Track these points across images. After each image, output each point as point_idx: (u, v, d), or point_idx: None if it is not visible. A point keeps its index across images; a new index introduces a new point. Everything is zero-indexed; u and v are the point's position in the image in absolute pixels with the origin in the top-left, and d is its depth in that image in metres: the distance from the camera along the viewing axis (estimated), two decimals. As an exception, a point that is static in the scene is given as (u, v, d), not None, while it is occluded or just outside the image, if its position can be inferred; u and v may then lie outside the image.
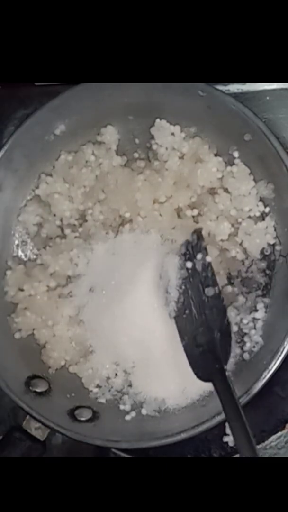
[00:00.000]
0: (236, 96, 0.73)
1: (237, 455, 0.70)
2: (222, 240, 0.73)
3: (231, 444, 0.71)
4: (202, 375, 0.68)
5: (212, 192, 0.75)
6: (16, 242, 0.78)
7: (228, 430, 0.69)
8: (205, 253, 0.71)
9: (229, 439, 0.71)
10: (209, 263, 0.71)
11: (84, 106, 0.75)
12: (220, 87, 0.73)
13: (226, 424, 0.64)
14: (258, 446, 0.73)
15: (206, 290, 0.70)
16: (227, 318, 0.69)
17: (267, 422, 0.69)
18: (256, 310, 0.73)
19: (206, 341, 0.69)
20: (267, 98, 0.78)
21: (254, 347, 0.72)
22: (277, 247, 0.73)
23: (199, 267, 0.71)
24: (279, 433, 0.74)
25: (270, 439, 0.74)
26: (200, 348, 0.69)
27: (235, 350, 0.71)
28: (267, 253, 0.73)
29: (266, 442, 0.74)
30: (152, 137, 0.77)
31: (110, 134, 0.78)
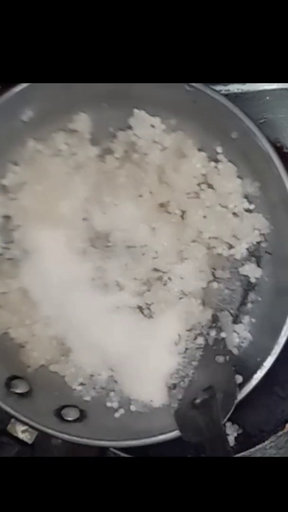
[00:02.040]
0: (236, 96, 0.72)
1: (237, 455, 0.73)
2: (209, 238, 0.73)
3: (231, 444, 0.74)
4: (191, 437, 0.67)
5: (197, 188, 0.74)
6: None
7: (228, 430, 0.71)
8: (219, 330, 0.72)
9: (229, 439, 0.74)
10: (223, 338, 0.72)
11: (54, 91, 0.70)
12: (220, 87, 0.72)
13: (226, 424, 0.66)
14: (258, 446, 0.75)
15: (216, 357, 0.71)
16: (235, 380, 0.69)
17: (267, 422, 0.71)
18: (243, 305, 0.74)
19: (205, 402, 0.68)
20: (267, 98, 0.78)
21: (242, 342, 0.74)
22: (263, 244, 0.74)
23: (210, 342, 0.72)
24: (279, 433, 0.76)
25: (270, 439, 0.76)
26: (195, 410, 0.68)
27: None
28: (252, 250, 0.74)
29: (266, 442, 0.76)
30: (130, 128, 0.74)
31: (83, 122, 0.73)
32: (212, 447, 0.63)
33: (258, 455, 0.76)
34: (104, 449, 0.73)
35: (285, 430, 0.77)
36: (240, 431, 0.73)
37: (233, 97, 0.71)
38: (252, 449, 0.76)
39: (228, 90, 0.77)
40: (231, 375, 0.69)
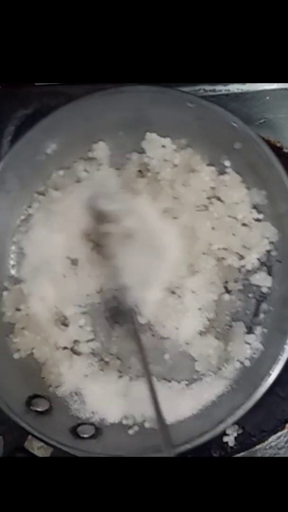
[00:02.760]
0: (236, 96, 0.74)
1: (237, 455, 0.70)
2: (218, 249, 0.73)
3: (231, 444, 0.71)
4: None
5: (206, 201, 0.75)
6: (12, 262, 0.78)
7: (228, 430, 0.69)
8: None
9: (229, 439, 0.71)
10: None
11: (74, 124, 0.76)
12: (220, 87, 0.74)
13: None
14: (258, 446, 0.73)
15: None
16: None
17: (267, 422, 0.68)
18: (256, 316, 0.73)
19: None
20: (267, 98, 0.79)
21: (254, 353, 0.71)
22: (273, 253, 0.73)
23: None
24: (279, 433, 0.73)
25: (270, 439, 0.73)
26: None
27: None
28: (263, 260, 0.73)
29: (266, 442, 0.73)
30: (143, 151, 0.77)
31: (101, 150, 0.78)
32: None
33: (258, 455, 0.73)
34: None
35: (285, 430, 0.73)
36: (240, 431, 0.69)
37: (233, 97, 0.72)
38: (252, 449, 0.72)
39: (228, 90, 0.78)
40: None
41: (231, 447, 0.71)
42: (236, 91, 0.79)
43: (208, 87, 0.74)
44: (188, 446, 0.66)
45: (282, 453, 0.73)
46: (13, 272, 0.78)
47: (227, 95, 0.75)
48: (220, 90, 0.77)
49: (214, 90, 0.76)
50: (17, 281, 0.77)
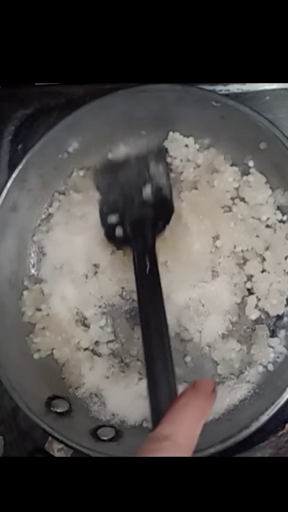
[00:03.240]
0: (236, 96, 0.73)
1: (237, 455, 0.70)
2: (242, 251, 0.73)
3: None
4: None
5: (230, 202, 0.74)
6: (32, 261, 0.78)
7: None
8: None
9: None
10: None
11: (97, 123, 0.75)
12: (220, 87, 0.74)
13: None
14: (258, 446, 0.72)
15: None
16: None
17: (267, 422, 0.67)
18: (280, 319, 0.72)
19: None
20: (267, 98, 0.78)
21: (278, 357, 0.70)
22: (298, 256, 0.72)
23: None
24: (279, 433, 0.72)
25: (270, 439, 0.72)
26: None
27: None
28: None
29: (266, 442, 0.72)
30: (166, 150, 0.76)
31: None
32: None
33: (258, 455, 0.72)
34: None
35: (285, 430, 0.72)
36: None
37: (233, 97, 0.71)
38: (252, 449, 0.72)
39: (228, 90, 0.77)
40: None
41: (231, 447, 0.70)
42: (236, 91, 0.78)
43: (208, 87, 0.73)
44: (211, 451, 0.65)
45: (282, 453, 0.73)
46: (33, 271, 0.78)
47: (227, 95, 0.74)
48: (220, 90, 0.76)
49: (214, 90, 0.75)
50: (37, 280, 0.77)
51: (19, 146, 0.75)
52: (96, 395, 0.73)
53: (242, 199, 0.73)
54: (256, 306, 0.72)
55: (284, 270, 0.71)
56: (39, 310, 0.75)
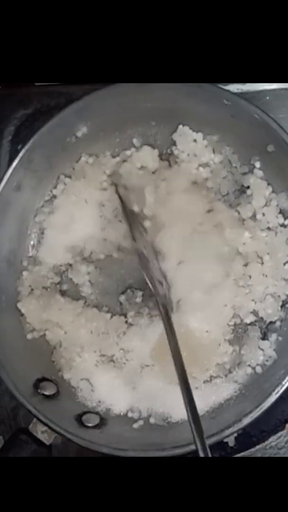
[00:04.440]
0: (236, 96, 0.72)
1: (237, 455, 0.71)
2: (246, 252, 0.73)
3: (231, 444, 0.72)
4: None
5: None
6: (32, 242, 0.78)
7: None
8: None
9: (229, 439, 0.71)
10: None
11: (107, 109, 0.75)
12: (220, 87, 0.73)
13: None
14: (258, 446, 0.73)
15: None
16: None
17: (267, 422, 0.68)
18: (272, 323, 0.72)
19: None
20: (267, 98, 0.78)
21: (267, 360, 0.71)
22: (296, 261, 0.72)
23: None
24: (279, 433, 0.73)
25: (270, 439, 0.73)
26: None
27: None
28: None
29: (266, 442, 0.73)
30: (174, 143, 0.76)
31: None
32: None
33: (258, 455, 0.73)
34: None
35: (285, 430, 0.73)
36: (240, 431, 0.69)
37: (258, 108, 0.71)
38: (252, 449, 0.73)
39: (228, 90, 0.75)
40: None
41: (231, 447, 0.72)
42: (236, 91, 0.78)
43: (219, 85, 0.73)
44: (192, 447, 0.65)
45: (282, 453, 0.73)
46: (32, 252, 0.78)
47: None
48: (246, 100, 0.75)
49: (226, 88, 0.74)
50: (36, 262, 0.77)
51: (19, 146, 0.74)
52: (85, 380, 0.74)
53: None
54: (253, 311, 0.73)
55: (282, 277, 0.72)
56: (36, 289, 0.76)
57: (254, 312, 0.72)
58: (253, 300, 0.72)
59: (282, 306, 0.72)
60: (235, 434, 0.70)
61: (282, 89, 0.78)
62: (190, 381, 0.69)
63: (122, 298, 0.75)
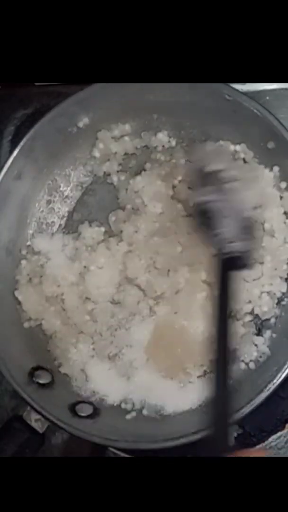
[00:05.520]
0: None
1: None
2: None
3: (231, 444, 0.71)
4: None
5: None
6: (31, 232, 0.78)
7: None
8: None
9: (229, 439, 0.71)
10: None
11: (110, 101, 0.75)
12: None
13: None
14: (258, 446, 0.73)
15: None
16: None
17: (267, 422, 0.68)
18: (267, 320, 0.72)
19: None
20: (267, 98, 0.78)
21: (260, 357, 0.71)
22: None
23: None
24: (279, 433, 0.73)
25: (270, 439, 0.73)
26: None
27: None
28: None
29: (266, 442, 0.73)
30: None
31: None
32: None
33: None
34: (104, 448, 0.72)
35: (285, 430, 0.73)
36: (240, 431, 0.69)
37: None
38: (252, 449, 0.72)
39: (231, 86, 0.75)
40: None
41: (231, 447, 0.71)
42: None
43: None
44: (183, 441, 0.66)
45: (282, 453, 0.73)
46: (31, 241, 0.78)
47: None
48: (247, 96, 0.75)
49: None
50: (35, 252, 0.77)
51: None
52: (80, 370, 0.74)
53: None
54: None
55: (278, 275, 0.72)
56: (35, 278, 0.76)
57: (251, 312, 0.73)
58: (249, 301, 0.73)
59: (278, 303, 0.73)
60: (235, 434, 0.71)
61: (282, 89, 0.78)
62: (184, 376, 0.71)
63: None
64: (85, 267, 0.75)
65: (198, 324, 0.71)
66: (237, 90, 0.71)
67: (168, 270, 0.73)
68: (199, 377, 0.72)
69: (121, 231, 0.76)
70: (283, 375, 0.66)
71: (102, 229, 0.77)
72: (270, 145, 0.71)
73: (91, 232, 0.77)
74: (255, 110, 0.70)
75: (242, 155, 0.74)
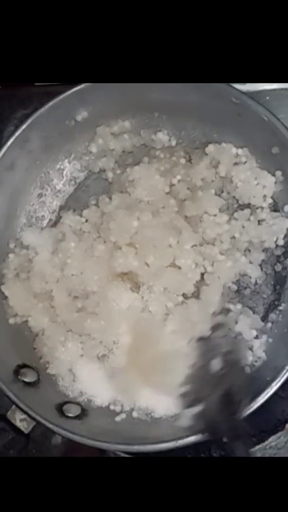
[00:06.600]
0: None
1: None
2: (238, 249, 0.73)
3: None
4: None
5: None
6: (20, 225, 0.76)
7: None
8: None
9: None
10: None
11: (110, 96, 0.74)
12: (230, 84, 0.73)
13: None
14: (258, 446, 0.73)
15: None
16: None
17: (267, 422, 0.68)
18: (265, 324, 0.72)
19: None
20: (267, 98, 0.78)
21: (256, 361, 0.70)
22: (288, 262, 0.73)
23: None
24: (279, 433, 0.73)
25: (270, 439, 0.73)
26: None
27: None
28: (278, 270, 0.73)
29: (266, 442, 0.73)
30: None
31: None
32: None
33: (258, 455, 0.73)
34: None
35: (285, 430, 0.73)
36: None
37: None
38: (252, 449, 0.72)
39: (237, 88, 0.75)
40: None
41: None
42: None
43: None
44: (177, 444, 0.65)
45: (282, 453, 0.73)
46: (20, 235, 0.76)
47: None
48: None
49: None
50: (23, 245, 0.75)
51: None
52: (67, 370, 0.72)
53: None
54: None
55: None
56: (22, 273, 0.74)
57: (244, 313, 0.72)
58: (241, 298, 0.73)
59: (274, 308, 0.73)
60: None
61: (282, 89, 0.78)
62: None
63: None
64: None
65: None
66: (244, 94, 0.70)
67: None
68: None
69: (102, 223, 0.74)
70: (280, 382, 0.65)
71: (83, 219, 0.76)
72: (274, 150, 0.71)
73: (71, 220, 0.76)
74: (262, 115, 0.70)
75: (243, 159, 0.73)
